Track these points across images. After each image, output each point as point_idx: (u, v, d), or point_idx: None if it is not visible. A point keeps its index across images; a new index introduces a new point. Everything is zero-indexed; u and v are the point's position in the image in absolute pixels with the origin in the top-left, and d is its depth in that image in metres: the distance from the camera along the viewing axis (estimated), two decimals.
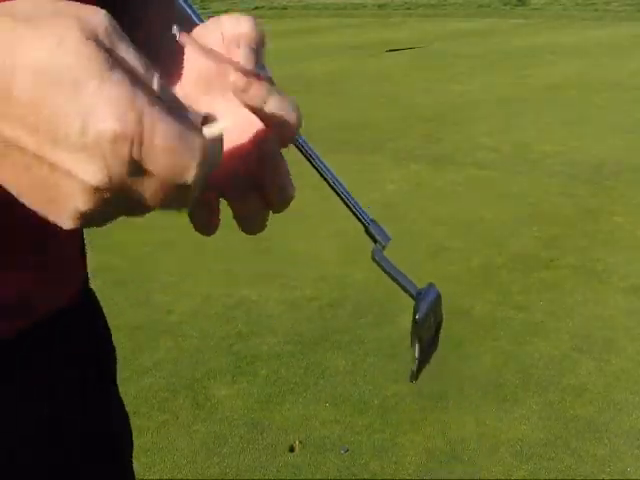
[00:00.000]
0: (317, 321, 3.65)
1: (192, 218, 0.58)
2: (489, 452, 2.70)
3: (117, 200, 0.44)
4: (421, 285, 0.70)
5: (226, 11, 24.94)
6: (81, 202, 0.43)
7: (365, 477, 2.59)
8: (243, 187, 0.57)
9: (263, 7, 25.74)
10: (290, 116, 0.54)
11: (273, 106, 0.53)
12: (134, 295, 3.94)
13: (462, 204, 5.36)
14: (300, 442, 2.76)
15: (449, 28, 17.71)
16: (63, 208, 0.44)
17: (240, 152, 0.58)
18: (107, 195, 0.43)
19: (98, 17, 0.42)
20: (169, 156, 0.42)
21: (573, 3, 22.71)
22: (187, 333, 3.55)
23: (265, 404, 3.00)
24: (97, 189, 0.42)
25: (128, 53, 0.43)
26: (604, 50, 13.08)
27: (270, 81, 0.55)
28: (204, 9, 25.30)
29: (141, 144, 0.41)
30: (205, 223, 0.58)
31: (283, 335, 3.52)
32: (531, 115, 8.16)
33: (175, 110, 0.43)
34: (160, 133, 0.42)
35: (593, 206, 5.26)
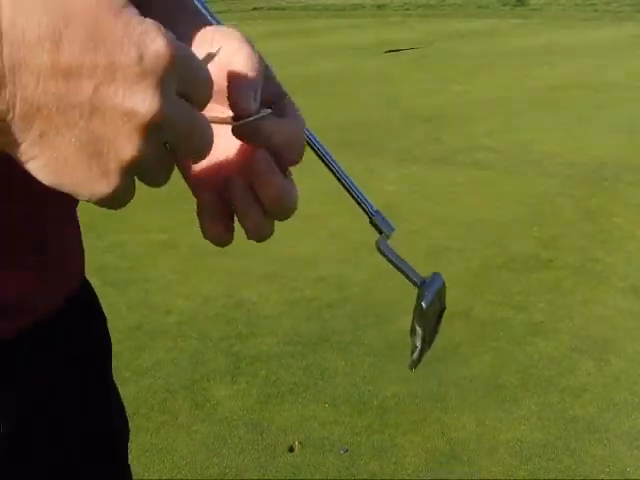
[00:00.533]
0: (317, 322, 3.65)
1: (205, 230, 0.61)
2: (489, 452, 2.70)
3: (165, 135, 0.46)
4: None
5: (226, 11, 24.96)
6: (134, 144, 0.45)
7: (364, 477, 2.59)
8: (244, 196, 0.58)
9: (262, 7, 25.74)
10: (292, 148, 0.57)
11: (276, 142, 0.56)
12: (133, 295, 3.94)
13: (462, 204, 5.36)
14: (300, 442, 2.76)
15: (448, 28, 17.72)
16: (112, 159, 0.45)
17: (234, 160, 0.59)
18: (159, 130, 0.45)
19: None
20: (200, 79, 0.48)
21: (572, 3, 22.73)
22: (186, 334, 3.55)
23: (265, 405, 3.00)
24: (151, 123, 0.44)
25: None
26: (603, 50, 13.08)
27: (270, 115, 0.56)
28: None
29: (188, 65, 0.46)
30: (217, 231, 0.61)
31: (283, 336, 3.52)
32: (531, 115, 8.16)
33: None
34: (186, 56, 0.47)
35: (592, 206, 5.26)
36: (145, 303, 3.86)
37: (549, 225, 4.92)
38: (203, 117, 0.49)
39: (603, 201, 5.37)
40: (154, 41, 0.44)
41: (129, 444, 0.93)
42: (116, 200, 0.48)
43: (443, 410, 2.94)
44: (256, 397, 3.05)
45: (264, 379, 3.17)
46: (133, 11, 0.45)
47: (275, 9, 25.36)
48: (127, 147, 0.45)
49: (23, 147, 0.45)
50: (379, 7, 24.66)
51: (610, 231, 4.80)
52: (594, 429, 2.81)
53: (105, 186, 0.46)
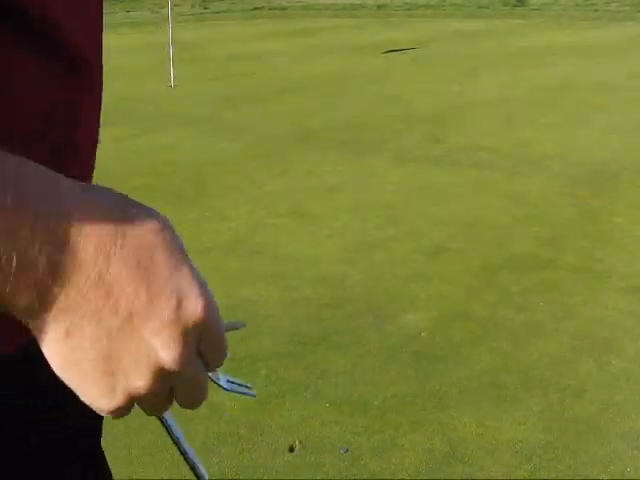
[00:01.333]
0: (317, 321, 3.65)
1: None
2: (489, 452, 2.70)
3: (174, 383, 0.49)
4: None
5: (226, 11, 24.93)
6: (146, 379, 0.47)
7: (365, 477, 2.59)
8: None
9: (263, 7, 25.74)
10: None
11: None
12: None
13: (462, 204, 5.35)
14: (300, 442, 2.76)
15: (449, 28, 17.71)
16: (122, 383, 0.47)
17: None
18: (171, 376, 0.48)
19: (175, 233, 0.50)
20: (220, 349, 0.51)
21: (572, 3, 22.72)
22: None
23: (265, 404, 3.00)
24: (167, 369, 0.47)
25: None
26: (604, 50, 13.08)
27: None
28: (205, 8, 25.30)
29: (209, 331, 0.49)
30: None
31: (283, 335, 3.52)
32: (531, 115, 8.16)
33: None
34: (217, 322, 0.51)
35: (593, 206, 5.26)
36: None
37: (549, 225, 4.92)
38: (207, 376, 0.53)
39: (603, 201, 5.37)
40: (196, 299, 0.48)
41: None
42: (111, 414, 0.49)
43: (443, 410, 2.94)
44: (256, 397, 3.05)
45: (264, 379, 3.17)
46: (190, 262, 0.50)
47: (275, 9, 25.36)
48: (139, 379, 0.47)
49: (45, 337, 0.47)
50: (379, 7, 24.65)
51: (610, 231, 4.80)
52: (594, 429, 2.81)
53: (106, 403, 0.48)
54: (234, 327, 0.57)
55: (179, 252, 0.49)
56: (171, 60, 10.20)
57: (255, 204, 5.37)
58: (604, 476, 2.58)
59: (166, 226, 0.49)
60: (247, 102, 9.30)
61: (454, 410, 2.94)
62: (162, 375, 0.47)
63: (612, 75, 10.50)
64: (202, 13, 23.98)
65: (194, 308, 0.48)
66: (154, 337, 0.46)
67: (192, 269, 0.49)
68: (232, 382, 0.62)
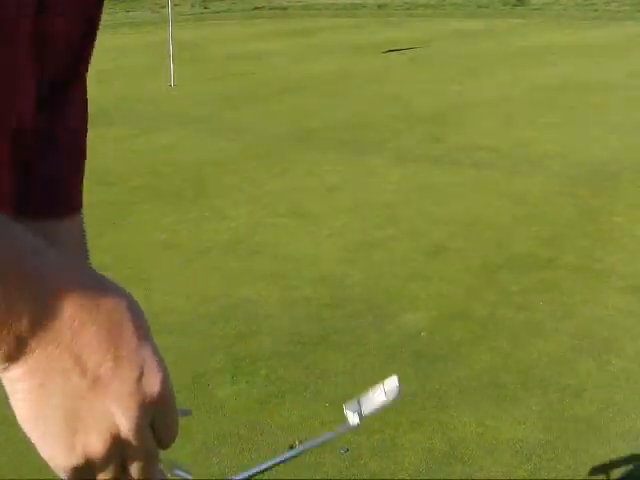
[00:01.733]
0: (317, 321, 3.65)
1: None
2: (489, 452, 2.70)
3: (126, 454, 0.52)
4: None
5: (227, 11, 24.91)
6: (102, 440, 0.50)
7: (365, 477, 2.59)
8: None
9: (263, 7, 25.73)
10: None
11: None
12: (133, 295, 3.93)
13: (462, 204, 5.36)
14: (300, 442, 2.76)
15: (449, 28, 17.72)
16: (80, 443, 0.50)
17: None
18: (120, 446, 0.51)
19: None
20: (172, 428, 0.54)
21: (572, 3, 22.72)
22: (187, 333, 3.55)
23: (265, 404, 3.00)
24: (121, 436, 0.50)
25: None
26: (604, 50, 13.08)
27: None
28: (205, 8, 25.30)
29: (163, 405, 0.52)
30: None
31: (283, 335, 3.52)
32: (531, 115, 8.16)
33: None
34: (172, 400, 0.53)
35: (593, 206, 5.26)
36: (145, 302, 3.85)
37: (549, 225, 4.92)
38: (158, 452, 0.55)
39: (603, 200, 5.37)
40: (156, 374, 0.51)
41: None
42: (69, 474, 0.51)
43: (443, 410, 2.94)
44: (256, 396, 3.05)
45: (264, 378, 3.17)
46: (152, 338, 0.53)
47: (275, 8, 25.36)
48: (97, 440, 0.50)
49: (15, 388, 0.49)
50: (380, 6, 24.65)
51: (610, 231, 4.80)
52: (594, 429, 2.81)
53: (64, 460, 0.50)
54: (184, 414, 0.60)
55: (144, 328, 0.52)
56: (171, 60, 10.20)
57: (255, 204, 5.37)
58: (603, 476, 2.58)
59: (134, 302, 0.54)
60: (247, 102, 9.30)
61: (454, 410, 2.94)
62: (118, 441, 0.50)
63: (612, 75, 10.50)
64: (202, 13, 23.98)
65: (154, 383, 0.51)
66: (114, 403, 0.49)
67: (154, 345, 0.53)
68: (182, 470, 0.67)
